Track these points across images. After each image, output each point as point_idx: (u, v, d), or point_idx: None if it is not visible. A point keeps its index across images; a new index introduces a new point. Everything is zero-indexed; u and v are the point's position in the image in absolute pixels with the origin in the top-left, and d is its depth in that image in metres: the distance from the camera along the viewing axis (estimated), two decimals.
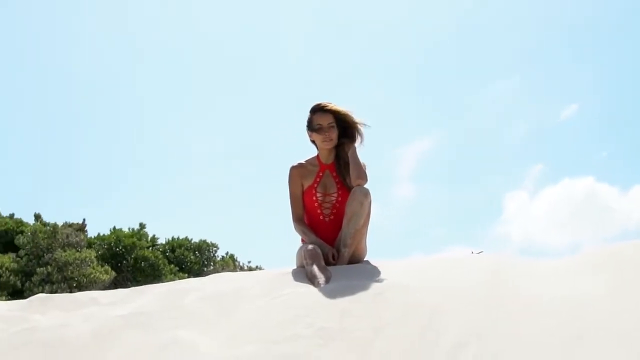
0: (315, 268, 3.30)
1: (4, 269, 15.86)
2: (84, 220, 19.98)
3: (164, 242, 21.63)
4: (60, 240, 16.77)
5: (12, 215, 20.34)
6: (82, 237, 17.89)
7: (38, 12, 43.01)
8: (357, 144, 3.84)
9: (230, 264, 21.54)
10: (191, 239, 21.88)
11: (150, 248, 20.27)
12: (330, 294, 2.79)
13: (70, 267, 16.01)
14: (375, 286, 2.85)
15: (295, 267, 3.69)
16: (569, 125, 51.89)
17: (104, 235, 19.92)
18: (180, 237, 21.93)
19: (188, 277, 17.65)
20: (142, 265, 18.85)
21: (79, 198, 33.46)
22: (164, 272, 18.76)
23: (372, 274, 3.24)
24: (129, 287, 4.20)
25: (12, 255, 16.96)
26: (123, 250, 19.02)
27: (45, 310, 3.38)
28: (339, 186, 3.85)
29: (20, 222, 19.64)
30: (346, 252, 3.66)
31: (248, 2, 53.69)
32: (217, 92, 47.60)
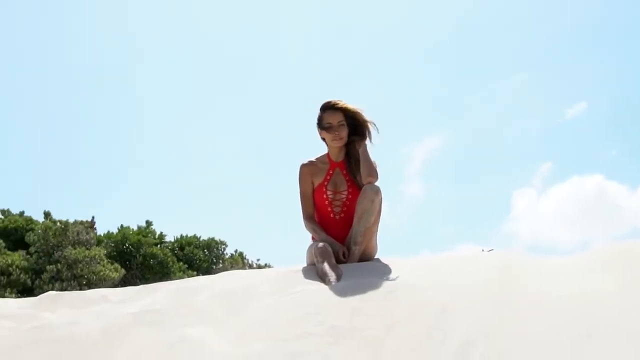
0: (326, 266, 3.30)
1: (14, 266, 15.92)
2: (93, 217, 20.03)
3: (172, 240, 21.66)
4: (70, 237, 16.84)
5: (22, 213, 20.42)
6: (92, 234, 17.96)
7: (38, 12, 43.06)
8: (367, 142, 3.83)
9: (239, 261, 21.57)
10: (200, 237, 21.90)
11: (159, 245, 20.30)
12: (341, 292, 2.79)
13: (80, 265, 16.06)
14: (386, 284, 2.85)
15: (305, 264, 3.70)
16: (577, 123, 51.64)
17: (111, 233, 19.99)
18: (189, 235, 21.97)
19: (197, 274, 17.72)
20: (151, 262, 18.88)
21: (81, 197, 33.42)
22: (172, 269, 18.80)
23: (383, 272, 3.24)
24: (138, 284, 4.21)
25: (22, 252, 17.04)
26: (131, 248, 19.08)
27: (55, 308, 3.39)
28: (349, 184, 3.85)
29: (30, 220, 19.72)
30: (357, 250, 3.65)
31: (248, 2, 53.59)
32: (217, 92, 47.58)
